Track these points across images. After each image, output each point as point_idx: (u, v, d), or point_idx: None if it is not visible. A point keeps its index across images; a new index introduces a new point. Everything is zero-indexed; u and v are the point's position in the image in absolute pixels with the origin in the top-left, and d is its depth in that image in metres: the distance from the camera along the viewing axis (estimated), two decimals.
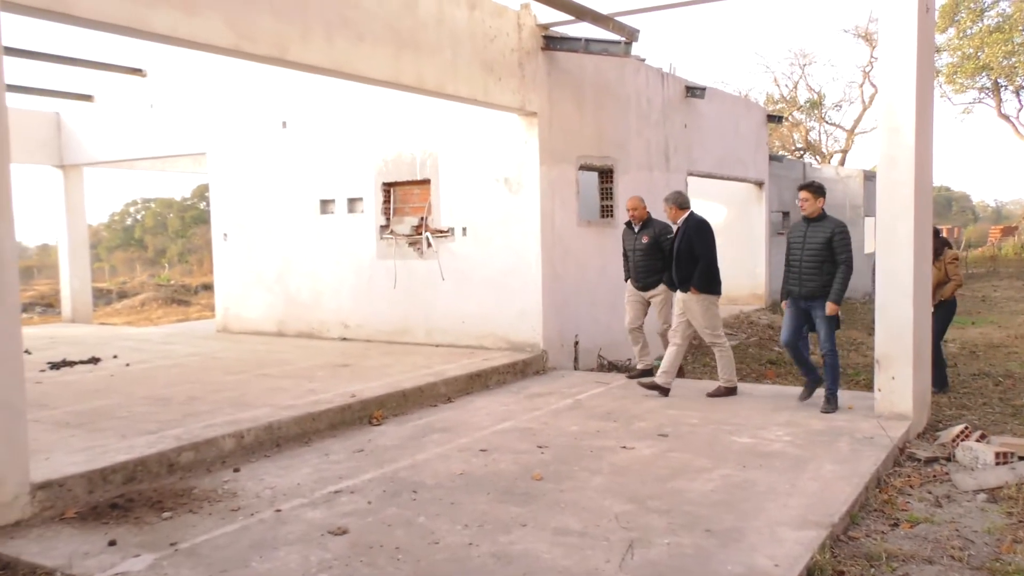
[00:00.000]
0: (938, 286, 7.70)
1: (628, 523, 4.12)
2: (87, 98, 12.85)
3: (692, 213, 7.42)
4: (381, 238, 10.08)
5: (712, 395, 7.25)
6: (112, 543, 3.97)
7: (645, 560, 3.66)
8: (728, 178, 14.10)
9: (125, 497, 4.60)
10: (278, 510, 4.43)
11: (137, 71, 11.94)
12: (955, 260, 7.84)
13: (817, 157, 35.79)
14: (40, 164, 13.42)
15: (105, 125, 13.01)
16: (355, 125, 10.20)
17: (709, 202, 15.57)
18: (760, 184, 15.56)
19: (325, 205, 10.59)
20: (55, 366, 8.62)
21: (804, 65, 37.28)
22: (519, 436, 5.99)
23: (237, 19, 5.31)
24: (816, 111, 36.11)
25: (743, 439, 5.75)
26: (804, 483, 4.73)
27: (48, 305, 20.35)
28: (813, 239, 6.51)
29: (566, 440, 5.84)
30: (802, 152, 35.98)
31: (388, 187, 10.04)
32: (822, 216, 6.56)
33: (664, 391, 7.27)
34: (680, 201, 7.45)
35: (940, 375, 7.95)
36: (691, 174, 12.39)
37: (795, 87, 36.57)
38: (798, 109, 35.81)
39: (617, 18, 7.94)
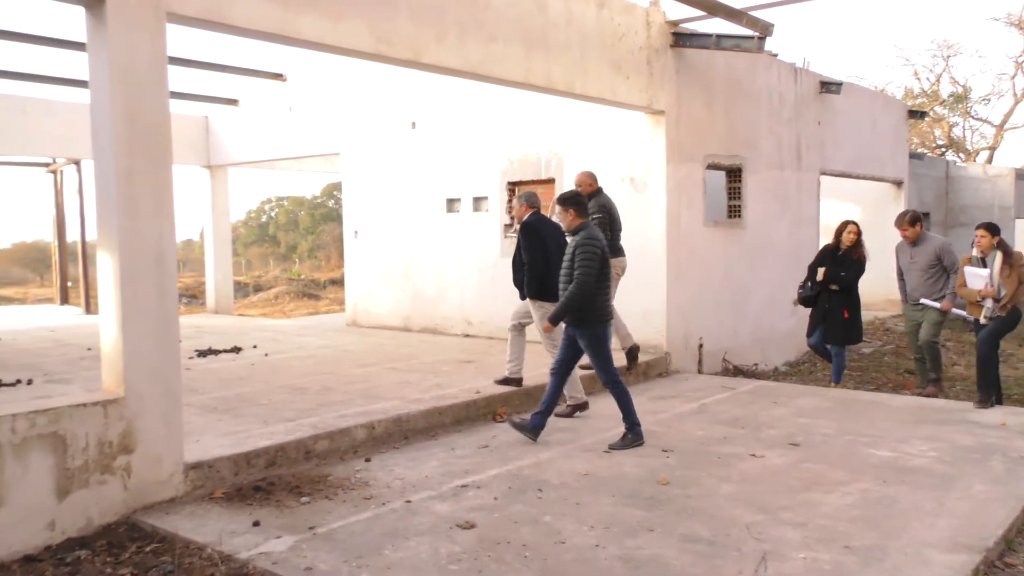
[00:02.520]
0: (1014, 294, 6.92)
1: (760, 534, 4.00)
2: (232, 102, 13.64)
3: (533, 213, 6.85)
4: (505, 236, 10.19)
5: (559, 415, 6.48)
6: (256, 524, 4.20)
7: (779, 574, 3.54)
8: (864, 177, 13.43)
9: (267, 480, 4.85)
10: (408, 501, 4.55)
11: (278, 76, 12.58)
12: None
13: (961, 155, 33.57)
14: (190, 165, 14.36)
15: (248, 127, 13.78)
16: (481, 125, 10.36)
17: (842, 202, 14.88)
18: (899, 183, 14.73)
19: (451, 204, 10.82)
20: (202, 354, 9.20)
21: (948, 57, 34.96)
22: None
23: (378, 24, 5.49)
24: (960, 105, 33.83)
25: (882, 452, 5.47)
26: (952, 503, 4.44)
27: (192, 296, 21.75)
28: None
29: (692, 445, 5.72)
30: (944, 149, 33.83)
31: (513, 186, 10.15)
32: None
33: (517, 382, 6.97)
34: (527, 199, 6.93)
35: (996, 381, 7.14)
36: (824, 173, 11.88)
37: (937, 80, 34.39)
38: (940, 104, 33.68)
39: (751, 12, 7.70)
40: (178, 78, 11.94)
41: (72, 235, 16.72)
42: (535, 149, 9.81)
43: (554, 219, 6.97)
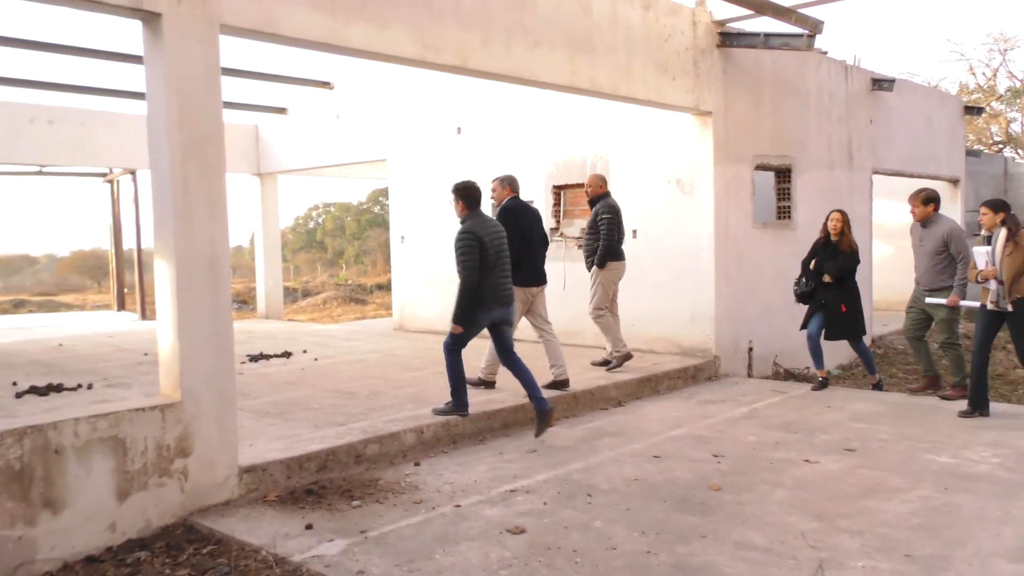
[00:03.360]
0: (1017, 278, 6.19)
1: (816, 542, 3.92)
2: (281, 111, 13.88)
3: (512, 197, 7.10)
4: (551, 240, 10.16)
5: (472, 382, 6.76)
6: (309, 527, 4.25)
7: None
8: (918, 176, 13.09)
9: (318, 484, 4.90)
10: (457, 505, 4.56)
11: (325, 84, 12.76)
12: None
13: (1019, 151, 32.54)
14: (240, 173, 14.64)
15: (296, 135, 13.99)
16: (526, 129, 10.36)
17: (896, 202, 14.52)
18: (955, 182, 14.34)
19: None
20: (253, 358, 9.35)
21: (1005, 51, 33.91)
22: (693, 444, 5.85)
23: (424, 31, 5.53)
24: (1019, 100, 32.78)
25: (943, 458, 5.31)
26: (1018, 511, 4.30)
27: (243, 302, 22.15)
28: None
29: (743, 450, 5.64)
30: (1002, 146, 32.83)
31: (558, 190, 10.13)
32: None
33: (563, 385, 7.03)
34: (506, 182, 7.15)
35: (977, 393, 6.55)
36: (877, 172, 11.62)
37: (994, 75, 33.40)
38: (997, 99, 32.70)
39: (800, 10, 7.58)
40: (229, 88, 12.19)
41: (128, 243, 17.15)
42: (580, 152, 9.78)
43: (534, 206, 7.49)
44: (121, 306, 17.94)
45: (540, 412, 5.89)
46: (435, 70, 6.10)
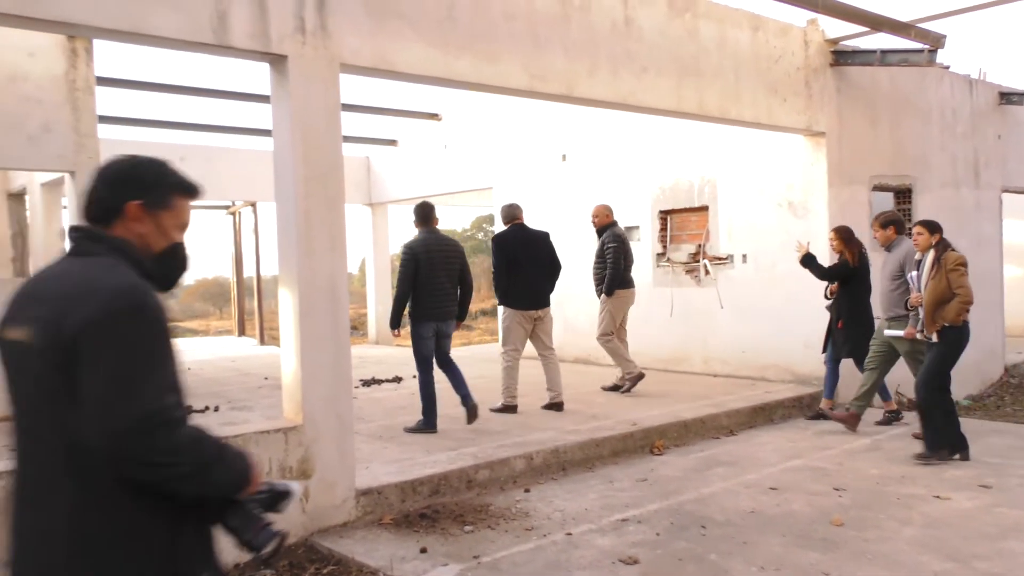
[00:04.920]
0: (938, 306, 5.81)
1: None
2: (392, 143, 14.36)
3: (513, 225, 7.44)
4: (657, 266, 10.07)
5: (495, 410, 7.29)
6: (423, 550, 4.32)
7: None
8: None
9: (431, 508, 4.99)
10: (569, 533, 4.55)
11: (434, 116, 13.14)
12: (961, 266, 5.81)
13: None
14: (353, 203, 15.19)
15: (405, 166, 14.43)
16: (631, 154, 10.34)
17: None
18: None
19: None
20: (366, 383, 9.63)
21: None
22: (811, 476, 5.63)
23: (531, 61, 5.63)
24: None
25: None
26: None
27: (354, 328, 22.86)
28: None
29: (866, 484, 5.38)
30: None
31: (665, 214, 10.03)
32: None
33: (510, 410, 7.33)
34: (504, 214, 7.58)
35: (948, 432, 5.93)
36: (1007, 190, 10.95)
37: None
38: None
39: (919, 25, 7.29)
40: (344, 122, 12.70)
41: (248, 271, 18.05)
42: (687, 176, 9.67)
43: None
44: (242, 332, 18.85)
45: (467, 408, 6.56)
46: (542, 99, 6.19)
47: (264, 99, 10.57)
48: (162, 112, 23.47)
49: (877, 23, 7.18)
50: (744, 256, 9.08)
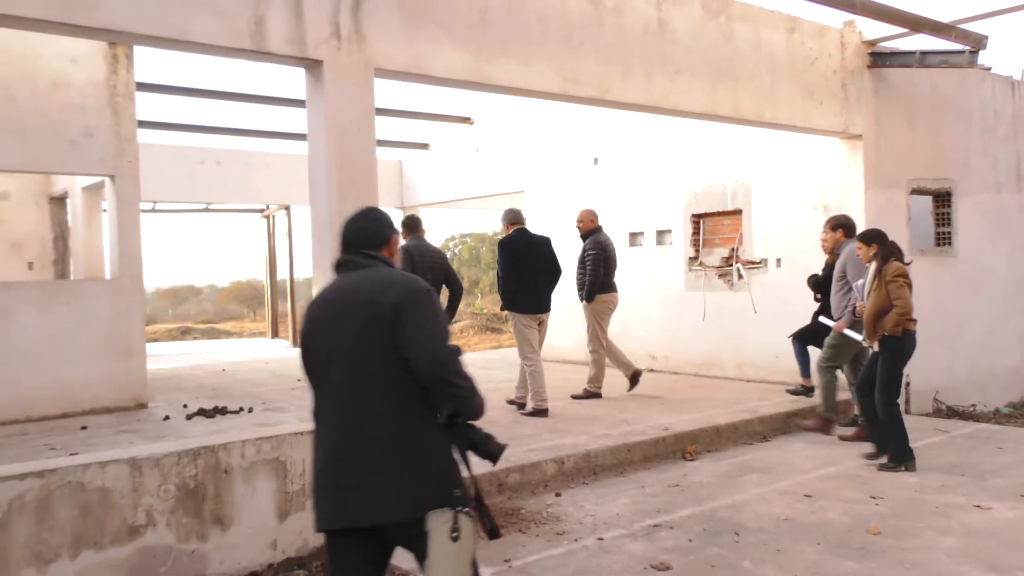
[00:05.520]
0: (878, 316, 5.85)
1: None
2: (424, 146, 14.45)
3: (516, 230, 7.50)
4: (690, 270, 10.00)
5: (526, 413, 7.38)
6: None
7: None
8: None
9: None
10: (600, 538, 4.53)
11: (466, 119, 13.20)
12: (900, 277, 5.76)
13: None
14: (385, 207, 15.29)
15: (437, 169, 14.51)
16: (664, 158, 10.28)
17: None
18: None
19: (634, 238, 10.78)
20: None
21: None
22: (847, 483, 5.54)
23: (565, 65, 5.63)
24: None
25: None
26: None
27: None
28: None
29: (904, 493, 5.29)
30: None
31: (697, 218, 9.97)
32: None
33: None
34: (508, 218, 7.62)
35: (899, 445, 5.88)
36: None
37: None
38: None
39: (960, 26, 7.16)
40: (377, 126, 12.81)
41: (282, 273, 18.28)
42: (720, 180, 9.60)
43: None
44: (275, 334, 19.06)
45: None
46: (575, 103, 6.19)
47: (300, 104, 10.71)
48: (199, 117, 23.84)
49: (917, 24, 7.07)
50: (778, 260, 8.98)
